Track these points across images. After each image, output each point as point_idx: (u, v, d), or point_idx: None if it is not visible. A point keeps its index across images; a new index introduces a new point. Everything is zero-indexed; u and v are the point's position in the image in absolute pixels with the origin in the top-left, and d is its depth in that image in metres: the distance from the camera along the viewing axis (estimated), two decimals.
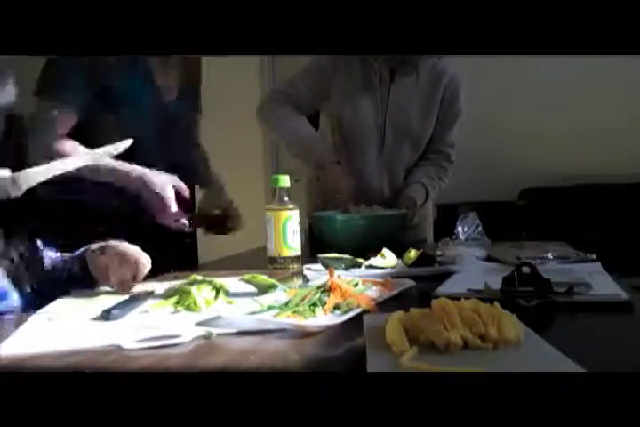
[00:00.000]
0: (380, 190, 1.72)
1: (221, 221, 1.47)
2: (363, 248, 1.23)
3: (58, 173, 0.80)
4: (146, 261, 0.97)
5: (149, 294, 0.89)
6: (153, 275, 1.03)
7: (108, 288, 0.97)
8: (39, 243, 1.00)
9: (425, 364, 0.53)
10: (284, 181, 1.25)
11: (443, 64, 1.71)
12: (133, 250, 0.97)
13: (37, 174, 0.77)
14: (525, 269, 0.82)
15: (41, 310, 0.84)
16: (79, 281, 0.98)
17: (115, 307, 0.80)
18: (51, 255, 1.01)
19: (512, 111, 3.39)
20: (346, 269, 1.09)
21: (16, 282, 0.91)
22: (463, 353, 0.57)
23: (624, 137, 3.30)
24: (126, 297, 0.86)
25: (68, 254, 1.02)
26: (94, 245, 0.99)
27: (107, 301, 0.86)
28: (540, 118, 3.40)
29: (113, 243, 0.98)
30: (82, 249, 1.01)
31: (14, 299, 0.89)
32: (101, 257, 0.96)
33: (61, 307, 0.87)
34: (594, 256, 1.15)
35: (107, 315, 0.77)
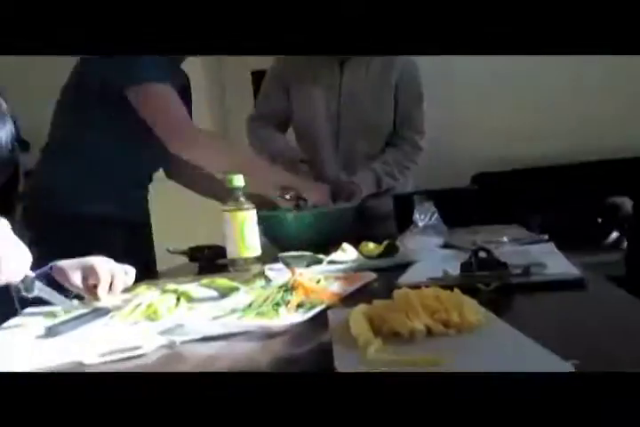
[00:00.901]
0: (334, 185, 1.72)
1: None
2: (315, 245, 1.23)
3: None
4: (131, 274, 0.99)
5: (101, 311, 0.86)
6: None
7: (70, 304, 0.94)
8: None
9: (391, 354, 0.53)
10: (239, 180, 1.24)
11: None
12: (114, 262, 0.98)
13: None
14: (482, 254, 0.84)
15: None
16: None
17: (59, 323, 0.78)
18: None
19: (459, 97, 3.45)
20: (307, 266, 1.10)
21: None
22: (428, 340, 0.57)
23: (570, 119, 3.40)
24: (75, 314, 0.84)
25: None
26: (64, 262, 0.98)
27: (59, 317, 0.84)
28: (486, 102, 3.47)
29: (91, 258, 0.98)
30: (45, 267, 0.98)
31: None
32: (78, 268, 0.95)
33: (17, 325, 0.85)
34: (546, 237, 1.19)
35: (49, 331, 0.75)
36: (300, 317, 0.71)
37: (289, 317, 0.72)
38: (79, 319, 0.81)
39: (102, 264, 0.97)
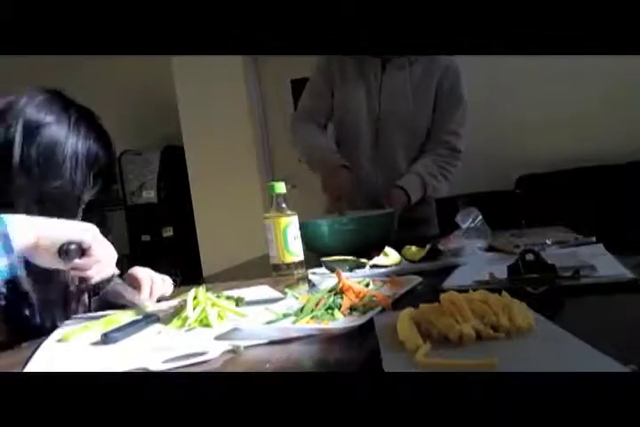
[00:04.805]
0: (374, 183, 1.71)
1: None
2: (355, 251, 1.22)
3: None
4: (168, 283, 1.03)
5: (150, 318, 0.86)
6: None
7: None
8: None
9: (440, 358, 0.53)
10: (280, 187, 1.25)
11: None
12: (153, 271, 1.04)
13: None
14: (529, 257, 0.82)
15: (52, 336, 0.85)
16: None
17: (114, 330, 0.78)
18: None
19: (501, 100, 3.41)
20: (350, 270, 1.10)
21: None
22: (477, 344, 0.57)
23: (615, 118, 3.31)
24: (127, 321, 0.85)
25: None
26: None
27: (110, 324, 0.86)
28: (530, 105, 3.41)
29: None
30: None
31: None
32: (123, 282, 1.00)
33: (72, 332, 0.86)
34: (593, 239, 1.16)
35: (105, 338, 0.76)
36: (358, 319, 0.71)
37: (346, 319, 0.73)
38: (133, 326, 0.81)
39: (141, 272, 1.01)
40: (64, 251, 0.78)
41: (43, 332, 0.88)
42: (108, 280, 0.90)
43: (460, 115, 1.72)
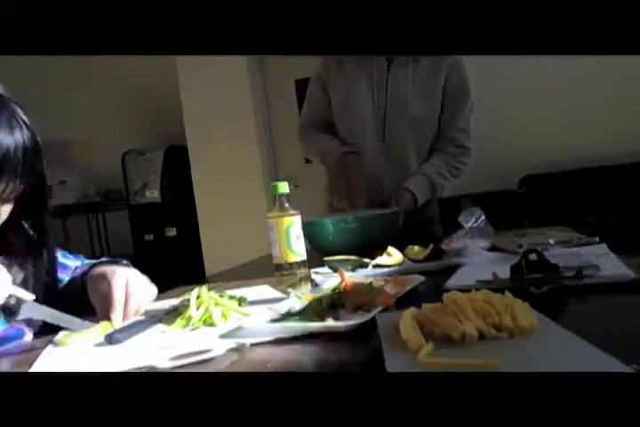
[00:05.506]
0: (380, 183, 1.70)
1: None
2: (359, 250, 1.21)
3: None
4: (148, 296, 0.91)
5: (154, 318, 0.85)
6: (161, 291, 1.02)
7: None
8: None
9: (443, 358, 0.53)
10: (284, 187, 1.25)
11: None
12: (136, 281, 0.88)
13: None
14: (532, 257, 0.82)
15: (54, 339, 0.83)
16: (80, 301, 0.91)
17: (118, 330, 0.78)
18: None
19: (504, 99, 3.40)
20: (353, 269, 1.10)
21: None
22: (480, 344, 0.57)
23: (617, 119, 3.30)
24: (131, 321, 0.83)
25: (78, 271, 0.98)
26: (96, 270, 0.93)
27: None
28: (532, 105, 3.41)
29: (118, 270, 0.89)
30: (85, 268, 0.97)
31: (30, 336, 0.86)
32: (101, 285, 0.88)
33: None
34: (596, 239, 1.16)
35: (109, 339, 0.75)
36: (361, 318, 0.70)
37: (350, 318, 0.72)
38: (136, 327, 0.80)
39: (118, 289, 0.86)
40: None
41: None
42: (16, 304, 0.76)
43: (466, 112, 1.71)
